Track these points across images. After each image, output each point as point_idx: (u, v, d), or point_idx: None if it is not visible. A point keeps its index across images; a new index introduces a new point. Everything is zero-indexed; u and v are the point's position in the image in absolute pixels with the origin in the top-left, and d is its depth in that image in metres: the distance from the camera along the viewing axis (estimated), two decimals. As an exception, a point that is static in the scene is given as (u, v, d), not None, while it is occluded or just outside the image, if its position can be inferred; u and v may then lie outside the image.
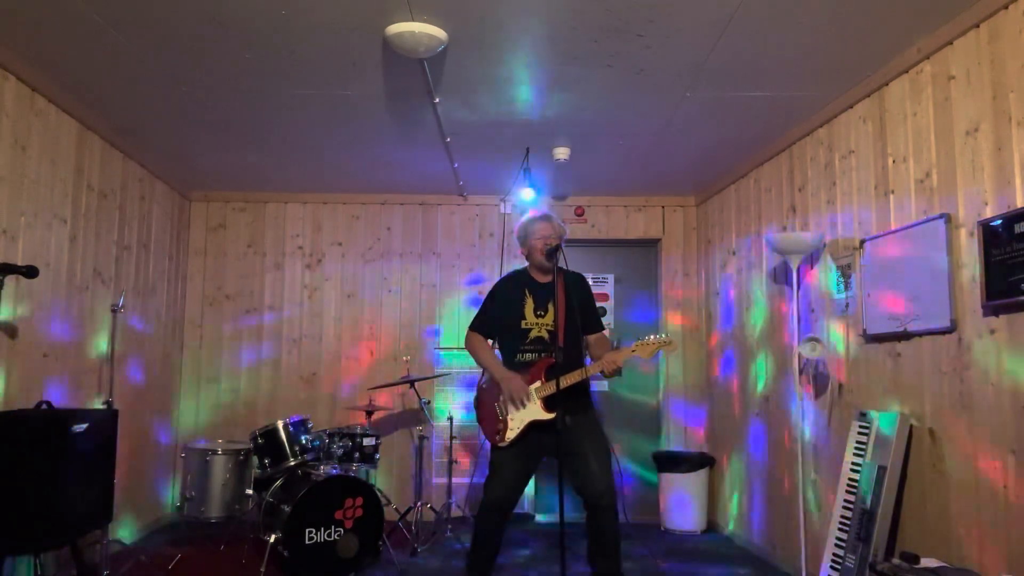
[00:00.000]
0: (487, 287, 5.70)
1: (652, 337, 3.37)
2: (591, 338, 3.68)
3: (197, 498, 4.63)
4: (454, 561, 4.46)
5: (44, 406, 3.40)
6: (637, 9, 2.97)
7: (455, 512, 5.31)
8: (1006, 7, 2.73)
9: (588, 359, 3.73)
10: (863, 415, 3.44)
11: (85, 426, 3.24)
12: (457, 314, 5.88)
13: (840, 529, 3.34)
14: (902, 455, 3.17)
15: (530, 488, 5.57)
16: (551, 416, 3.35)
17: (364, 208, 5.98)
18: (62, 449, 3.10)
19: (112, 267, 4.52)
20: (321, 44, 3.30)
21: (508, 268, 5.70)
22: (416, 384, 5.02)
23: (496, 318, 3.68)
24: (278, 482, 4.38)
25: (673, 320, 5.93)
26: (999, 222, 2.70)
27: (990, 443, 2.76)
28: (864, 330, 3.53)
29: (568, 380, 3.28)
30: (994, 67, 2.79)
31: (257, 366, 5.79)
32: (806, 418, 4.07)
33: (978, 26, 2.87)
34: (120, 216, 4.62)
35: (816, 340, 3.85)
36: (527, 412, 3.43)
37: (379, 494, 4.27)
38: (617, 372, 3.41)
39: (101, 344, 4.36)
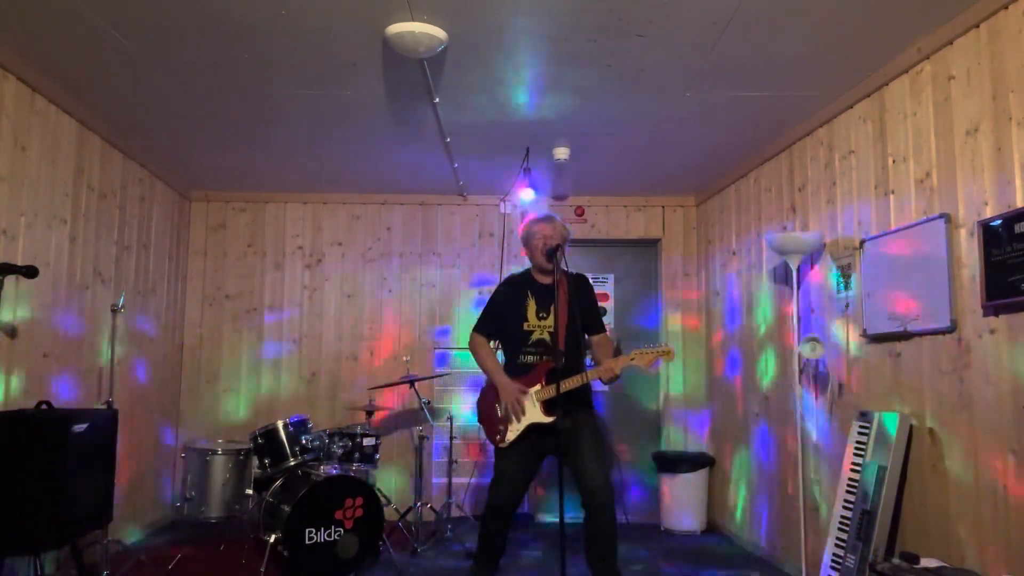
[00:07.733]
0: (487, 287, 5.73)
1: (651, 346, 3.41)
2: (593, 339, 3.69)
3: (197, 498, 4.62)
4: (454, 561, 4.46)
5: (44, 406, 3.39)
6: (637, 9, 2.97)
7: (455, 512, 5.31)
8: (1006, 7, 2.73)
9: (589, 360, 3.74)
10: (863, 415, 3.44)
11: (85, 426, 3.24)
12: (457, 314, 5.89)
13: (840, 529, 3.34)
14: (902, 455, 3.17)
15: (531, 489, 5.56)
16: (550, 420, 3.38)
17: (364, 208, 5.98)
18: (62, 449, 3.10)
19: (112, 267, 4.52)
20: (321, 44, 3.30)
21: (508, 268, 5.72)
22: (416, 384, 5.02)
23: (499, 320, 3.70)
24: (278, 482, 4.38)
25: (673, 320, 5.93)
26: (999, 222, 2.70)
27: (990, 443, 2.76)
28: (864, 330, 3.53)
29: (568, 385, 3.31)
30: (994, 67, 2.79)
31: (257, 366, 5.79)
32: (806, 418, 4.07)
33: (978, 26, 2.87)
34: (120, 216, 4.62)
35: (816, 340, 3.85)
36: (527, 415, 3.45)
37: (379, 494, 4.27)
38: (615, 379, 3.45)
39: (101, 344, 4.36)
